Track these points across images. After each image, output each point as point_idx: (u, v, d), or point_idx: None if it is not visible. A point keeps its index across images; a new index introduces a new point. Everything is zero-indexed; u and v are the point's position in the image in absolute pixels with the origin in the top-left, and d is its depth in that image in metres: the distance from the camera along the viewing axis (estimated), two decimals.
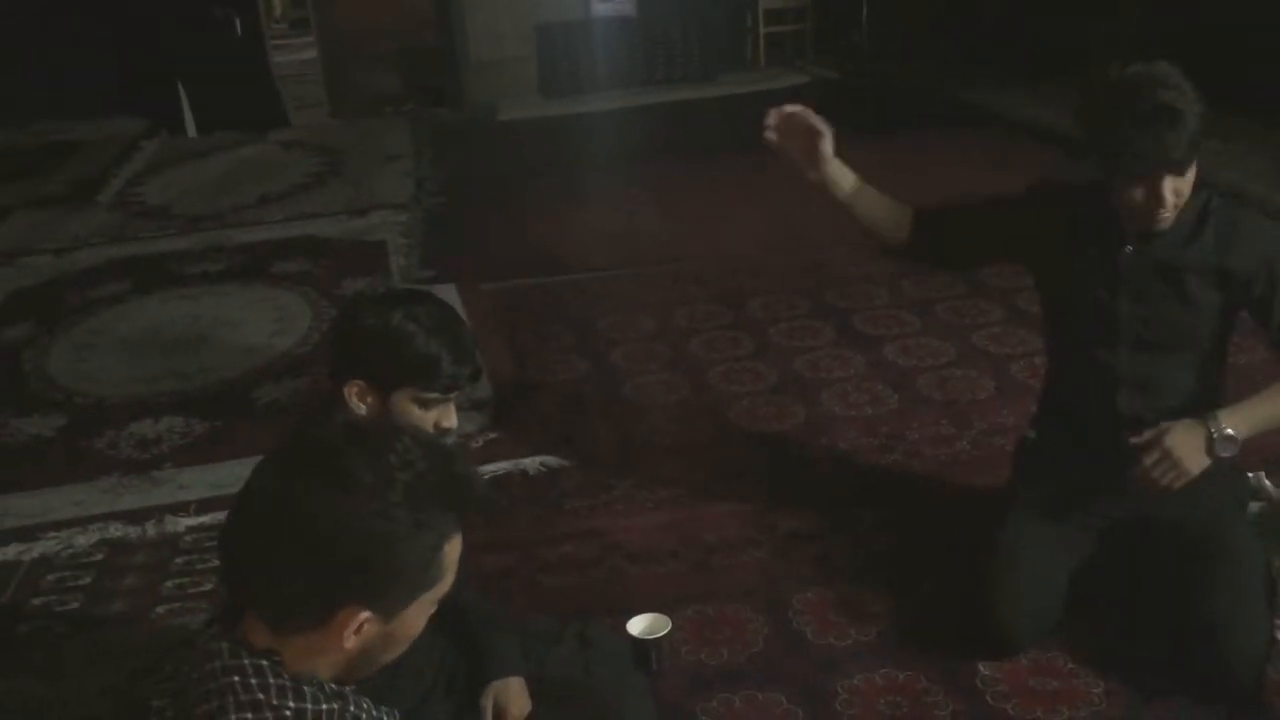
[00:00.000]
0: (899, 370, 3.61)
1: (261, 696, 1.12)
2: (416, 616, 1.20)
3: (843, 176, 2.30)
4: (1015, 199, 2.38)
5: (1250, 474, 2.55)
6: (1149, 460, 2.07)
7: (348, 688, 1.22)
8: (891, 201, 2.36)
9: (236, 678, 1.13)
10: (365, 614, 1.14)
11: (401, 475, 1.13)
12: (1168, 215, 2.09)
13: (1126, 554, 2.31)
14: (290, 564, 1.13)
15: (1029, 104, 6.58)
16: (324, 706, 1.15)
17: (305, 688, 1.15)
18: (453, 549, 1.19)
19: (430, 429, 1.79)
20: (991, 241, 2.40)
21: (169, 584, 2.78)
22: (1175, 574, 2.20)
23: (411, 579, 1.16)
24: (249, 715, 1.11)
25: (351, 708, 1.19)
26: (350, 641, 1.15)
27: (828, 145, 2.24)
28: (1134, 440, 2.09)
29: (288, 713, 1.12)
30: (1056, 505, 2.31)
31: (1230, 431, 2.05)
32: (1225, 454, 2.07)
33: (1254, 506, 2.45)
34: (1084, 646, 2.27)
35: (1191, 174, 2.07)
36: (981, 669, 2.25)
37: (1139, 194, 2.06)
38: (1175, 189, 2.06)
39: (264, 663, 1.14)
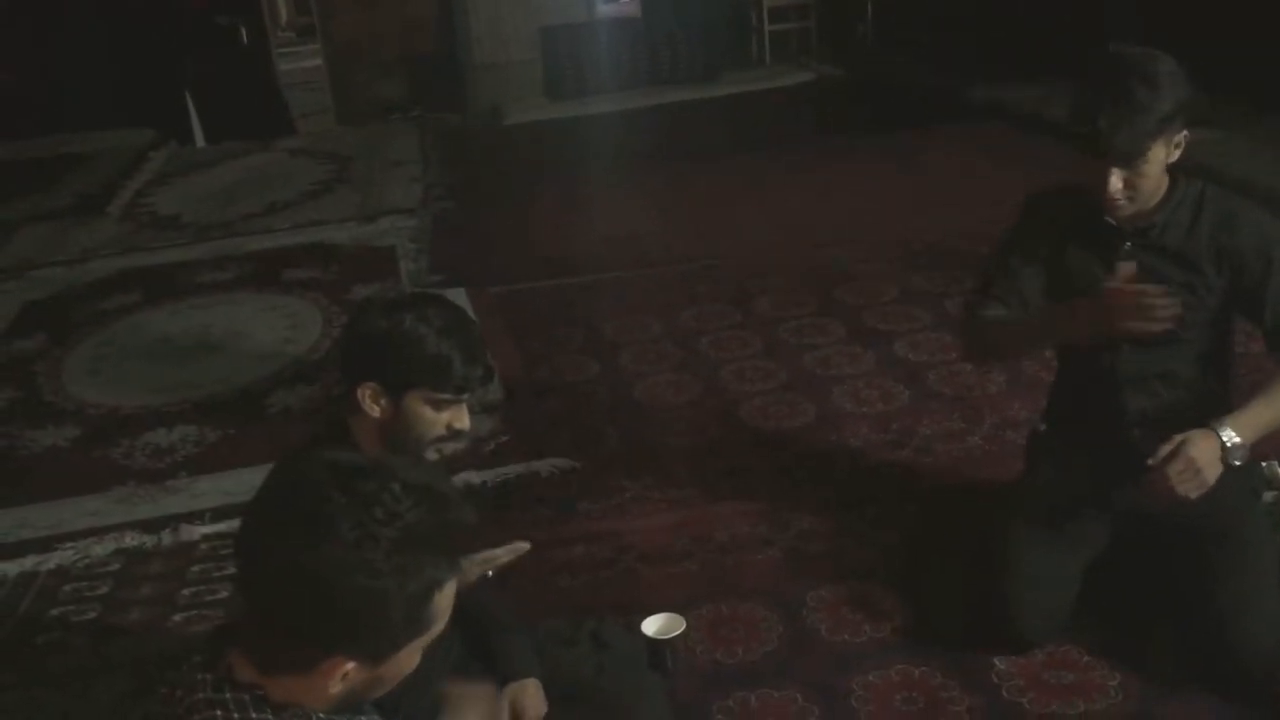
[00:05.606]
0: (909, 366, 3.61)
1: None
2: (407, 659, 1.18)
3: None
4: (1020, 227, 2.35)
5: (1264, 463, 2.53)
6: (1174, 471, 2.00)
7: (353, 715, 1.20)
8: None
9: (219, 712, 1.12)
10: (350, 664, 1.13)
11: (386, 531, 1.09)
12: (1121, 204, 2.07)
13: (1140, 546, 2.30)
14: (272, 614, 1.12)
15: (1037, 99, 6.53)
16: None
17: None
18: (445, 594, 1.16)
19: (443, 430, 1.80)
20: (1036, 279, 2.36)
21: (185, 592, 2.79)
22: (1189, 565, 2.19)
23: (398, 630, 1.13)
24: None
25: None
26: (336, 687, 1.14)
27: None
28: (1151, 462, 2.03)
29: None
30: (1069, 498, 2.30)
31: (1239, 439, 2.02)
32: (1237, 460, 2.04)
33: (1268, 496, 2.44)
34: (1099, 640, 2.27)
35: (1150, 170, 2.03)
36: (997, 663, 2.25)
37: (1099, 178, 2.04)
38: (1128, 181, 2.03)
39: (246, 697, 1.13)
